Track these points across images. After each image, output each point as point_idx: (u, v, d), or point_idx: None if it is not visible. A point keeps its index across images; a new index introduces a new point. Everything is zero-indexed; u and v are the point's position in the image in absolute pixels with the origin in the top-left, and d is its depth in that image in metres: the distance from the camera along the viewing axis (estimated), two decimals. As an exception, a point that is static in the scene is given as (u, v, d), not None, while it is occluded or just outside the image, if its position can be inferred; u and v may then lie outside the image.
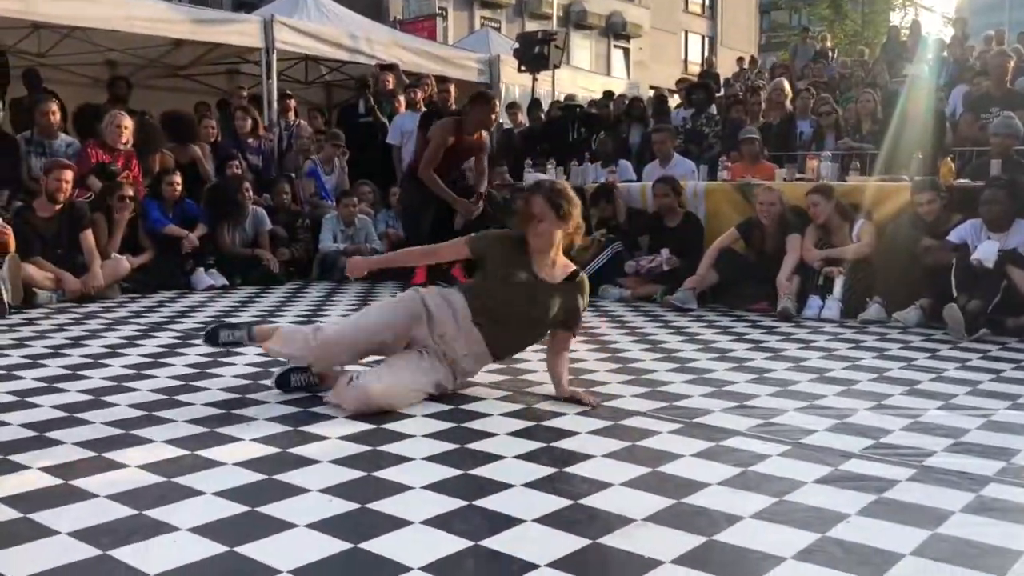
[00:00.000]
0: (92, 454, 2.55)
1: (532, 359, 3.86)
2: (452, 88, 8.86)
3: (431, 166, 6.67)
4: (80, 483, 2.30)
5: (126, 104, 8.31)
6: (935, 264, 5.16)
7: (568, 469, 2.46)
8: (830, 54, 16.58)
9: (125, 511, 2.11)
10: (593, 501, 2.23)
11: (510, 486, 2.32)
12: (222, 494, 2.24)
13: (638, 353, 4.23)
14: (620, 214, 6.84)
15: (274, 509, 2.14)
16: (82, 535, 1.96)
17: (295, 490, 2.28)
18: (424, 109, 8.99)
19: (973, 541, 2.01)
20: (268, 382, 3.41)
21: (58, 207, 6.00)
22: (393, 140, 8.99)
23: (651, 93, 13.40)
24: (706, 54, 36.71)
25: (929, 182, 5.50)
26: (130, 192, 6.56)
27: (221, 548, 1.90)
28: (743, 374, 3.77)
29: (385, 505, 2.17)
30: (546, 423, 2.95)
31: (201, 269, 6.69)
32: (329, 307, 5.80)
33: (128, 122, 7.18)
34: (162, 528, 2.01)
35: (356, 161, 8.84)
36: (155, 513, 2.10)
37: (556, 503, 2.21)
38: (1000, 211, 5.02)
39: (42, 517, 2.07)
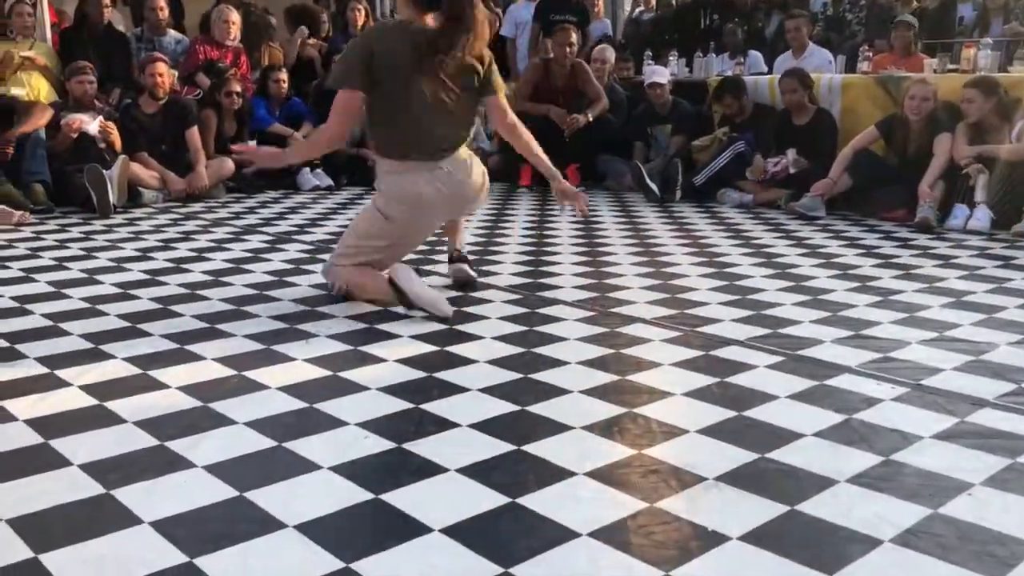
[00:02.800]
0: (136, 371, 2.43)
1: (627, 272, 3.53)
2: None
3: (518, 103, 6.47)
4: (114, 405, 2.17)
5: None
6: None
7: (638, 410, 2.16)
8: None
9: (147, 441, 1.97)
10: (655, 452, 1.92)
11: (569, 428, 2.04)
12: (253, 424, 2.06)
13: (748, 268, 3.82)
14: (746, 110, 6.25)
15: (301, 446, 1.94)
16: (92, 468, 1.82)
17: (331, 423, 2.08)
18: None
19: None
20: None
21: (161, 102, 5.95)
22: (507, 32, 8.55)
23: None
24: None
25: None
26: (238, 88, 6.46)
27: (229, 493, 1.72)
28: (865, 296, 3.32)
29: (422, 447, 1.94)
30: (625, 351, 2.64)
31: (307, 169, 6.58)
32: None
33: (236, 17, 7.05)
34: (177, 464, 1.85)
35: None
36: (176, 445, 1.94)
37: (618, 454, 1.92)
38: None
39: (61, 444, 1.94)
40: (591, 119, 6.44)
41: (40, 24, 6.81)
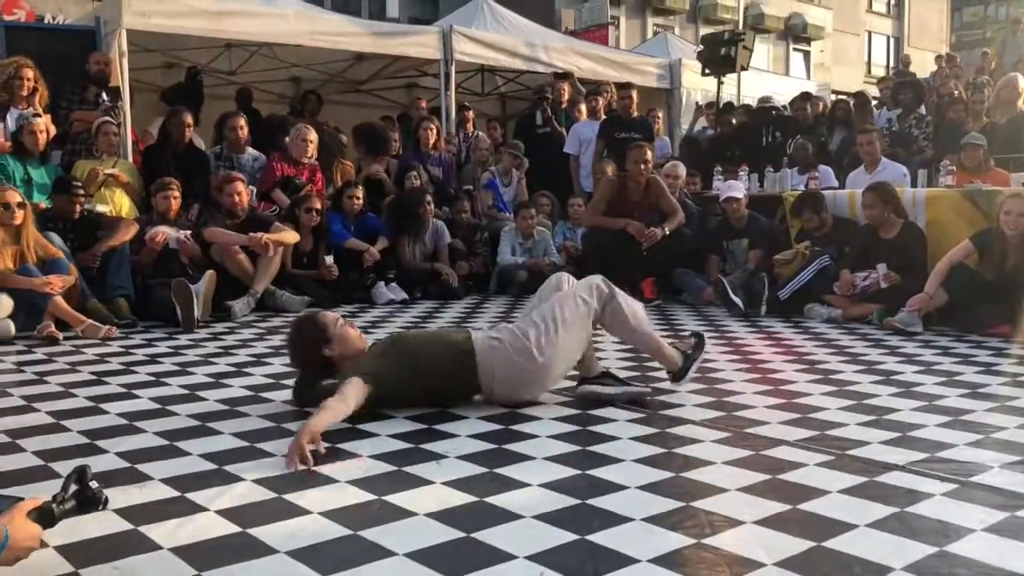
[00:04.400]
0: (271, 494, 2.30)
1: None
2: (635, 94, 8.43)
3: (593, 218, 6.78)
4: (258, 532, 2.04)
5: (315, 118, 8.42)
6: None
7: (827, 544, 1.98)
8: (1050, 46, 14.97)
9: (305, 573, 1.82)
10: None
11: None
12: (414, 556, 1.91)
13: (870, 387, 3.64)
14: (827, 224, 6.18)
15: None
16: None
17: (496, 555, 1.92)
18: (604, 117, 8.65)
19: None
20: (456, 410, 3.12)
21: (239, 219, 6.02)
22: (571, 150, 8.69)
23: (834, 98, 12.47)
24: (891, 55, 34.59)
25: None
26: (318, 204, 6.53)
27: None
28: (1013, 417, 3.13)
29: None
30: (783, 476, 2.47)
31: (382, 283, 6.57)
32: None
33: (313, 136, 7.22)
34: None
35: (534, 172, 8.58)
36: (339, 579, 1.79)
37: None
38: None
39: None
40: (668, 232, 6.41)
41: (123, 143, 7.00)
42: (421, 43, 9.16)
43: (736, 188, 6.69)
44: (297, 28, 8.36)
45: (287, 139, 7.29)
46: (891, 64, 32.05)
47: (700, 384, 3.62)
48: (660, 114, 10.21)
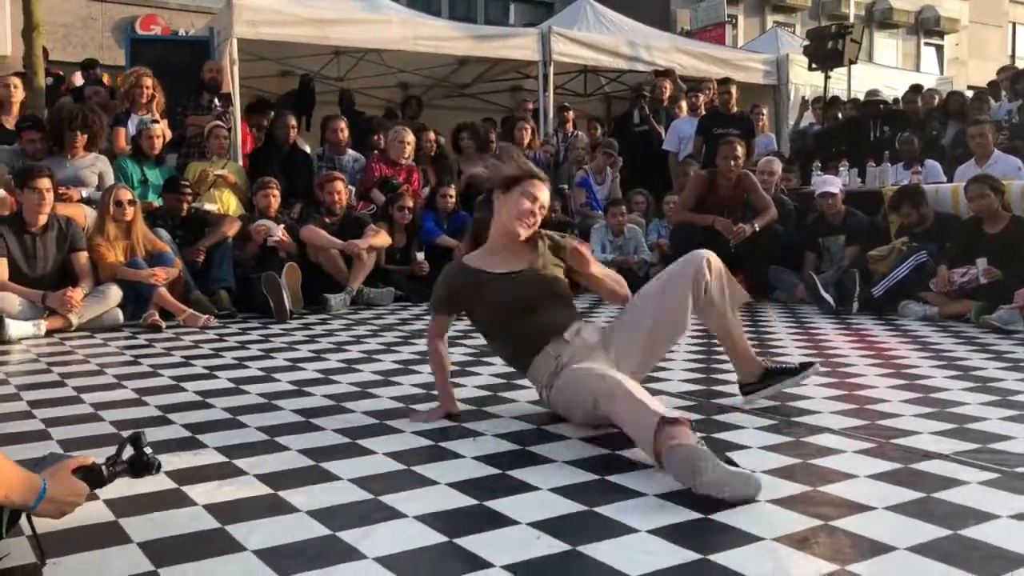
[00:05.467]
0: (309, 463, 2.43)
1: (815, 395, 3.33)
2: (734, 89, 8.30)
3: (680, 213, 6.74)
4: (287, 494, 2.17)
5: (416, 122, 8.68)
6: None
7: (837, 523, 1.95)
8: None
9: (319, 531, 1.93)
10: (863, 569, 1.71)
11: (759, 538, 1.86)
12: (423, 519, 1.99)
13: (943, 381, 3.51)
14: (927, 219, 5.94)
15: (473, 542, 1.85)
16: (266, 555, 1.80)
17: (503, 520, 1.98)
18: (704, 113, 8.56)
19: None
20: (508, 394, 3.20)
21: (337, 217, 6.28)
22: (670, 147, 8.63)
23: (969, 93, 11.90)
24: (1038, 46, 32.59)
25: None
26: (409, 203, 6.74)
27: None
28: (1087, 413, 2.96)
29: (600, 550, 1.81)
30: (813, 461, 2.43)
31: (470, 278, 6.70)
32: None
33: (411, 138, 7.44)
34: (349, 555, 1.80)
35: (631, 170, 8.56)
36: (348, 536, 1.90)
37: (815, 570, 1.72)
38: None
39: (236, 529, 1.94)
40: (757, 228, 6.30)
41: (233, 146, 7.40)
42: (520, 45, 9.29)
43: (832, 183, 6.51)
44: (399, 34, 8.63)
45: (377, 139, 7.53)
46: (1034, 57, 30.21)
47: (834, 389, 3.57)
48: (764, 110, 10.00)
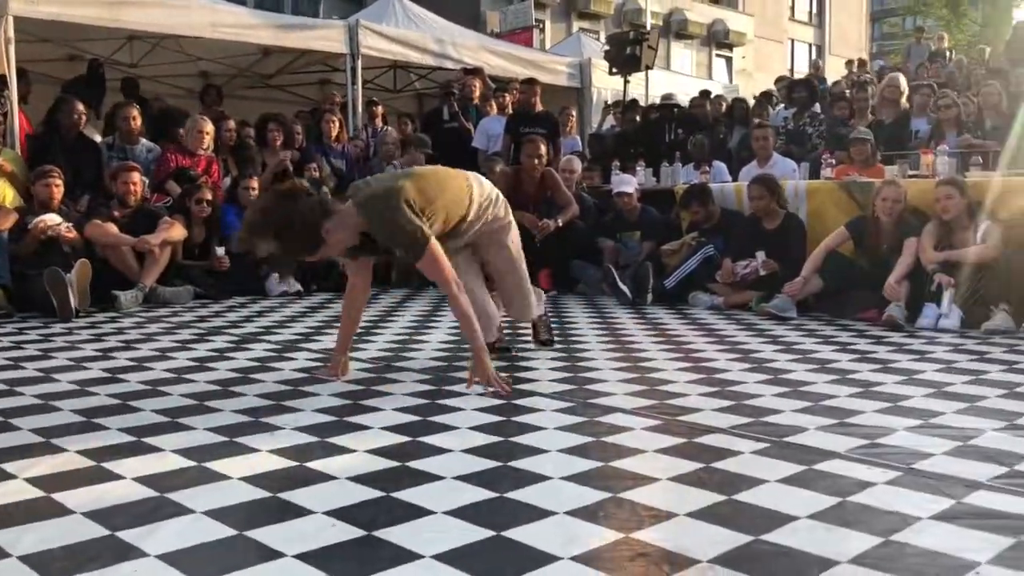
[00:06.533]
0: (89, 463, 2.29)
1: (604, 367, 3.47)
2: (537, 89, 8.51)
3: None
4: (61, 496, 2.02)
5: (215, 110, 8.31)
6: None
7: (625, 495, 2.05)
8: (947, 54, 15.58)
9: (97, 532, 1.82)
10: (647, 536, 1.81)
11: (552, 513, 1.92)
12: (212, 514, 1.92)
13: (725, 363, 3.77)
14: (714, 216, 6.34)
15: (263, 534, 1.80)
16: (34, 559, 1.67)
17: (296, 511, 1.94)
18: (512, 112, 8.72)
19: None
20: (312, 388, 3.14)
21: (129, 209, 5.93)
22: (479, 144, 8.72)
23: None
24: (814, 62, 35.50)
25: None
26: (208, 195, 6.45)
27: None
28: (845, 387, 3.26)
29: (394, 534, 1.81)
30: (606, 438, 2.54)
31: (275, 275, 6.51)
32: (401, 312, 5.51)
33: (210, 127, 7.13)
34: (128, 554, 1.71)
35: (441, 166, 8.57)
36: (128, 535, 1.79)
37: (603, 539, 1.80)
38: None
39: (2, 535, 1.79)
40: (560, 224, 6.50)
41: (9, 131, 6.82)
42: (327, 37, 9.12)
43: (627, 182, 6.82)
44: (199, 20, 8.23)
45: (183, 130, 7.18)
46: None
47: (628, 373, 3.68)
48: (573, 112, 10.32)
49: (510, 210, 3.61)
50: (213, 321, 5.10)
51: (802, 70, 34.97)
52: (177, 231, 5.99)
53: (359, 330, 4.50)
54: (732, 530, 1.83)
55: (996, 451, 2.42)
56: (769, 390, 3.21)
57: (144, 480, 2.15)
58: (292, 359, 3.82)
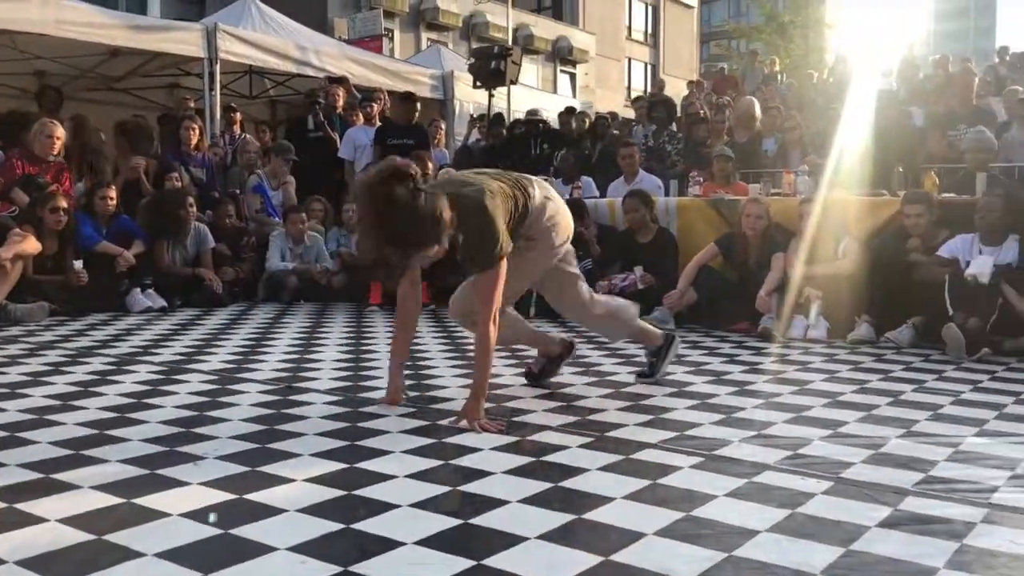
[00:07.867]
0: (2, 505, 2.08)
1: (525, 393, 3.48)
2: (417, 104, 8.42)
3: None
4: (-17, 545, 1.83)
5: (57, 114, 7.75)
6: (926, 280, 4.91)
7: (586, 516, 2.06)
8: (779, 77, 16.64)
9: (39, 583, 1.66)
10: (624, 558, 1.83)
11: (524, 539, 1.91)
12: (165, 555, 1.79)
13: (627, 377, 3.86)
14: (590, 231, 6.48)
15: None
16: (-21, 620, 1.50)
17: (257, 549, 1.84)
18: (379, 123, 8.61)
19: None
20: (217, 413, 2.98)
21: (-30, 221, 5.45)
22: (346, 155, 8.55)
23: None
24: (649, 80, 37.03)
25: (922, 195, 5.28)
26: (64, 204, 6.01)
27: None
28: (749, 398, 3.42)
29: (373, 567, 1.75)
30: (547, 458, 2.55)
31: (137, 290, 6.14)
32: (277, 331, 5.32)
33: (60, 132, 6.64)
34: (87, 607, 1.56)
35: (306, 177, 8.37)
36: (79, 585, 1.65)
37: (577, 561, 1.80)
38: (996, 220, 4.82)
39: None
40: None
41: None
42: (183, 40, 8.71)
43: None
44: (40, 16, 7.67)
45: (29, 135, 6.66)
46: (648, 89, 34.26)
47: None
48: (443, 125, 10.30)
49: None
50: (79, 340, 4.75)
51: (638, 88, 36.47)
52: (31, 244, 5.54)
53: (241, 351, 4.35)
54: (703, 547, 1.87)
55: (908, 458, 2.60)
56: (680, 403, 3.31)
57: (71, 522, 1.97)
58: (185, 381, 3.61)
